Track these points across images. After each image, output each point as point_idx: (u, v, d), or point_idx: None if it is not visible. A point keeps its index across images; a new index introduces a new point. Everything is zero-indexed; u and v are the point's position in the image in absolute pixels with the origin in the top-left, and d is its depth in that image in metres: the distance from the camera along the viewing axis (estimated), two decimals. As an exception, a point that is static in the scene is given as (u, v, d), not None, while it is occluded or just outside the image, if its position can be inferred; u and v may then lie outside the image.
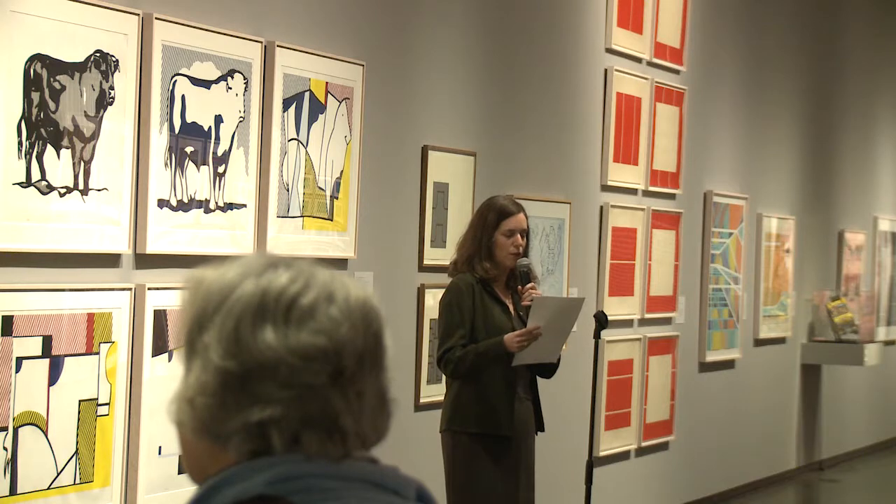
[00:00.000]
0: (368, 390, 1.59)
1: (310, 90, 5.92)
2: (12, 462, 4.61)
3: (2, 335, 4.56)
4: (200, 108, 5.34)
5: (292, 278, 1.59)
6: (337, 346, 1.56)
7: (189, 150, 5.28)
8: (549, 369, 5.75)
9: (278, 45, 5.72)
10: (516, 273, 5.59)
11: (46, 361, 4.71)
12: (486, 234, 5.55)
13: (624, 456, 8.84)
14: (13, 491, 4.61)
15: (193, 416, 1.58)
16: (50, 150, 4.69)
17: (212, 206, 5.40)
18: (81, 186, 4.81)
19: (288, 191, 5.81)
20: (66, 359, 4.78)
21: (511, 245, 5.55)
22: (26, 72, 4.60)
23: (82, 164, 4.81)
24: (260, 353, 1.55)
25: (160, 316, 5.12)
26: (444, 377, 5.68)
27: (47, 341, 4.72)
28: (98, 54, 4.87)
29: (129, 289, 5.03)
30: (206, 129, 5.37)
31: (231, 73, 5.48)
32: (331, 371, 1.55)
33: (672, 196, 9.31)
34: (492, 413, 5.50)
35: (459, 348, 5.44)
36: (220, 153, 5.44)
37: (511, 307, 5.63)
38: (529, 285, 5.59)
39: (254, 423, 1.55)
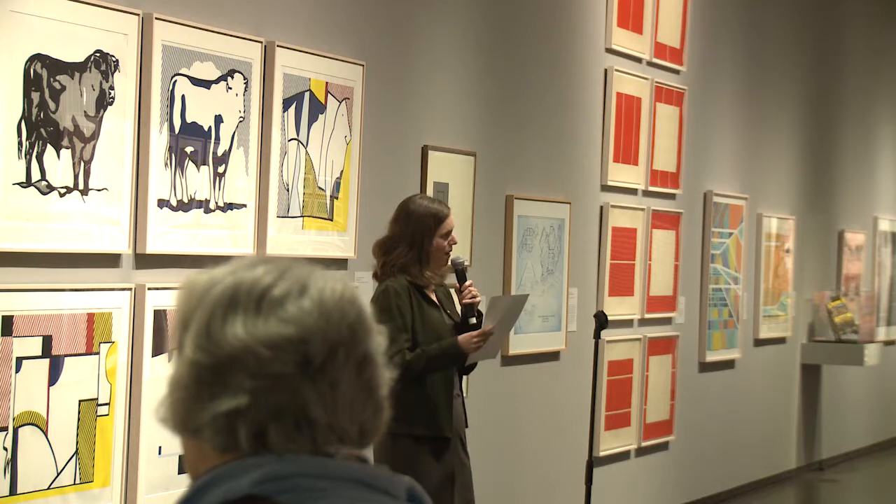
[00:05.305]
0: (344, 382, 1.57)
1: (310, 90, 5.92)
2: (12, 462, 4.61)
3: (2, 335, 4.56)
4: (200, 108, 5.34)
5: (267, 271, 1.60)
6: (304, 334, 1.56)
7: (189, 150, 5.28)
8: (472, 366, 5.70)
9: (278, 45, 5.72)
10: (453, 270, 5.57)
11: (46, 361, 4.71)
12: (427, 240, 5.48)
13: (624, 456, 8.84)
14: (13, 491, 4.61)
15: (173, 412, 1.59)
16: (50, 150, 4.69)
17: (212, 206, 5.40)
18: (81, 186, 4.81)
19: (288, 191, 5.81)
20: (66, 359, 4.78)
21: (448, 245, 5.52)
22: (26, 72, 4.60)
23: (82, 164, 4.81)
24: (228, 345, 1.56)
25: (160, 316, 5.12)
26: None
27: (47, 341, 4.72)
28: (98, 54, 4.87)
29: (129, 289, 5.03)
30: (206, 129, 5.37)
31: (231, 73, 5.49)
32: (298, 360, 1.55)
33: (672, 196, 9.31)
34: (435, 414, 5.44)
35: (407, 352, 5.36)
36: (220, 153, 5.44)
37: (440, 304, 5.58)
38: (468, 283, 5.56)
39: (222, 413, 1.55)
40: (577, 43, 8.14)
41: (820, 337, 11.97)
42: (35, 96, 4.63)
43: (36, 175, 4.64)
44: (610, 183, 8.47)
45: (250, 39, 5.58)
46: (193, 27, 5.29)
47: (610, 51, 8.45)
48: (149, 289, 5.08)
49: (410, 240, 5.48)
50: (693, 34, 9.50)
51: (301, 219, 5.89)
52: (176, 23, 5.20)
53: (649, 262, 8.95)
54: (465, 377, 5.72)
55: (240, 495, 1.51)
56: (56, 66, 4.71)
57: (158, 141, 5.13)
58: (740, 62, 10.39)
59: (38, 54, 4.64)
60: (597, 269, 8.46)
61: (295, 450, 1.55)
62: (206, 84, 5.37)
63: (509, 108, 7.50)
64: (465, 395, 5.84)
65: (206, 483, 1.54)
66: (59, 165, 4.72)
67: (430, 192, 6.72)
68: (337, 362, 1.57)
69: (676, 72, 9.30)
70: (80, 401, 4.84)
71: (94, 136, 4.86)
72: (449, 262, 5.57)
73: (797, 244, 11.56)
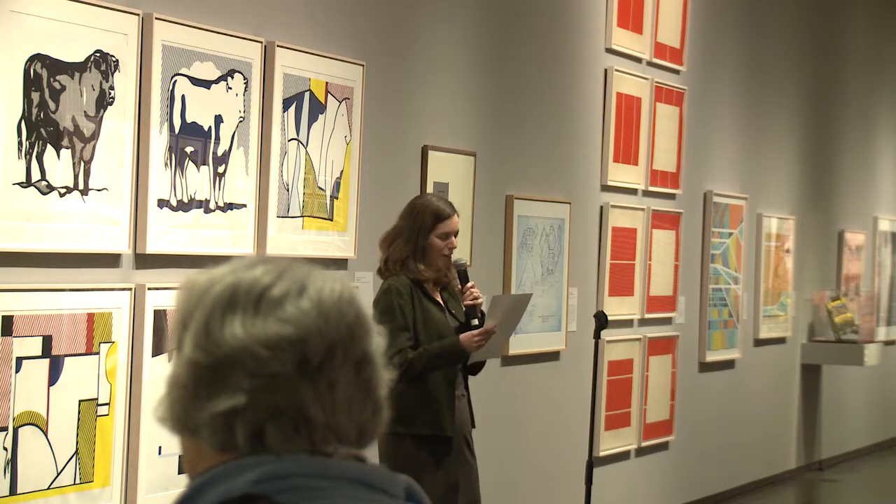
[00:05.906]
0: (342, 382, 1.58)
1: (310, 90, 5.92)
2: (12, 462, 4.61)
3: (2, 335, 4.56)
4: (200, 108, 5.34)
5: (266, 271, 1.60)
6: (303, 334, 1.56)
7: (189, 150, 5.28)
8: (479, 366, 5.71)
9: (278, 45, 5.72)
10: (455, 272, 5.56)
11: (46, 361, 4.72)
12: (422, 236, 5.48)
13: (624, 456, 8.84)
14: (13, 491, 4.61)
15: (171, 411, 1.59)
16: (50, 150, 4.69)
17: (212, 206, 5.40)
18: (81, 186, 4.81)
19: (288, 191, 5.81)
20: (66, 359, 4.78)
21: (445, 247, 5.51)
22: (26, 72, 4.60)
23: (82, 164, 4.81)
24: (227, 344, 1.56)
25: (160, 316, 5.12)
26: None
27: (47, 341, 4.72)
28: (98, 54, 4.87)
29: (129, 289, 5.03)
30: (206, 129, 5.37)
31: (231, 73, 5.49)
32: (297, 360, 1.55)
33: (672, 196, 9.31)
34: (437, 414, 5.43)
35: (409, 350, 5.36)
36: (220, 153, 5.44)
37: (444, 305, 5.58)
38: (470, 284, 5.56)
39: (220, 413, 1.55)
40: (577, 43, 8.14)
41: (820, 337, 11.97)
42: (35, 96, 4.63)
43: (36, 175, 4.65)
44: (610, 183, 8.47)
45: (250, 39, 5.58)
46: (193, 27, 5.29)
47: (610, 51, 8.45)
48: (149, 289, 5.08)
49: (408, 234, 5.49)
50: (693, 34, 9.50)
51: (301, 219, 5.89)
52: (176, 23, 5.20)
53: (649, 262, 8.95)
54: (469, 377, 5.71)
55: (238, 494, 1.52)
56: (56, 66, 4.71)
57: (158, 141, 5.13)
58: (740, 62, 10.39)
59: (38, 54, 4.64)
60: (597, 269, 8.46)
61: (293, 449, 1.55)
62: (206, 84, 5.37)
63: (509, 108, 7.50)
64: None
65: (204, 482, 1.54)
66: (59, 165, 4.72)
67: (430, 192, 6.71)
68: (335, 362, 1.57)
69: (676, 72, 9.30)
70: (80, 401, 4.84)
71: (94, 136, 4.86)
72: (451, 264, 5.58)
73: (797, 244, 11.56)
